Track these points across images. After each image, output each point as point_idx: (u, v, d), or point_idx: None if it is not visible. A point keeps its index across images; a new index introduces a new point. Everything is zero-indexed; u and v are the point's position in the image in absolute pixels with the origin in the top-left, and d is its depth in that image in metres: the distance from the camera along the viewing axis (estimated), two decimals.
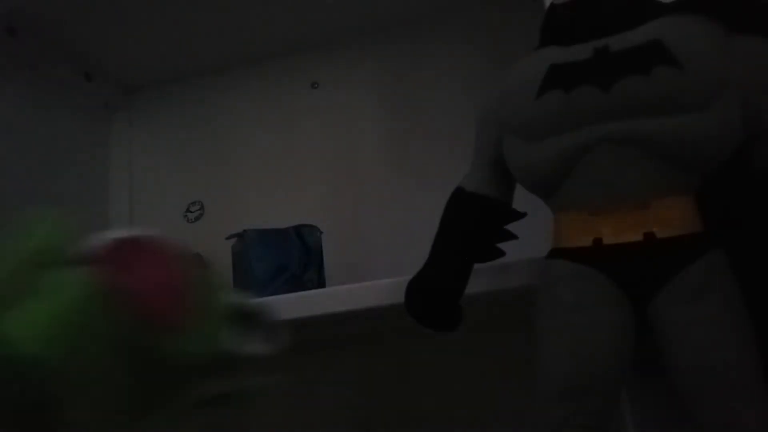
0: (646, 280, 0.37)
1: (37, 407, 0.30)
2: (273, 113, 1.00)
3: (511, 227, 0.47)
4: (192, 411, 0.36)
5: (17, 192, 0.86)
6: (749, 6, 0.39)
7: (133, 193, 1.05)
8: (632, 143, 0.37)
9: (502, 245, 0.47)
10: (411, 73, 0.94)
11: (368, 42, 0.96)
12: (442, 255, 0.47)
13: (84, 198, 0.99)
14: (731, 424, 0.34)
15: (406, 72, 0.95)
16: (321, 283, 0.75)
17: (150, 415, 0.34)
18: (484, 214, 0.46)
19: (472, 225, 0.46)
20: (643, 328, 0.38)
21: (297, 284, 0.70)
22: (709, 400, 0.34)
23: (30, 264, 0.34)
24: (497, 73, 0.46)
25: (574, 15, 0.42)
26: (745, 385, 0.34)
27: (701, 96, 0.36)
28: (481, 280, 0.49)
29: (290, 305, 0.57)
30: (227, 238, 0.75)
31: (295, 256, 0.73)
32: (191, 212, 1.01)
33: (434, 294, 0.46)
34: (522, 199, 0.46)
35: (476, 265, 0.47)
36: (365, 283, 0.56)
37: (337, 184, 0.94)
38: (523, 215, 0.47)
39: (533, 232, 0.46)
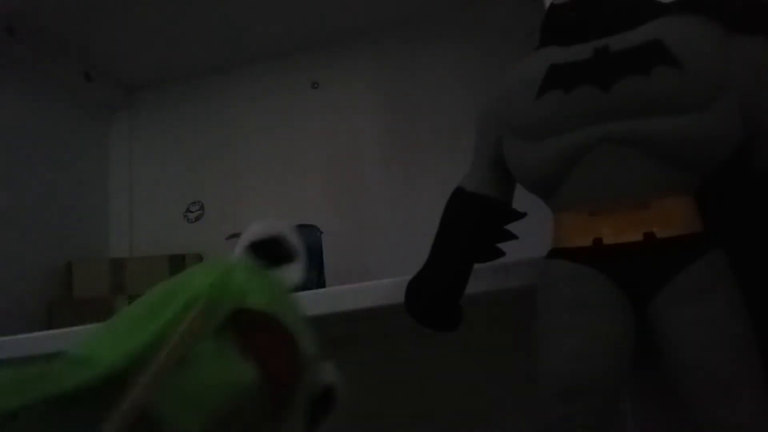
0: (646, 280, 0.37)
1: None
2: (273, 113, 1.00)
3: (511, 227, 0.47)
4: None
5: (17, 192, 0.86)
6: (749, 6, 0.39)
7: (133, 193, 1.05)
8: (632, 143, 0.37)
9: (502, 245, 0.47)
10: (411, 73, 0.94)
11: (368, 42, 0.96)
12: (442, 255, 0.47)
13: (84, 198, 0.99)
14: (731, 425, 0.34)
15: (406, 72, 0.95)
16: (321, 283, 0.75)
17: None
18: (484, 214, 0.46)
19: (472, 225, 0.46)
20: (643, 328, 0.38)
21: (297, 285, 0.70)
22: (708, 400, 0.34)
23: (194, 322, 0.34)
24: (497, 73, 0.46)
25: (574, 15, 0.42)
26: (745, 385, 0.34)
27: (701, 96, 0.36)
28: (481, 280, 0.49)
29: None
30: (227, 238, 0.75)
31: None
32: (191, 212, 1.01)
33: (434, 294, 0.46)
34: (522, 199, 0.46)
35: (476, 265, 0.47)
36: (365, 283, 0.56)
37: (337, 184, 0.94)
38: (523, 215, 0.47)
39: (533, 232, 0.46)
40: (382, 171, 0.92)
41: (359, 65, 0.97)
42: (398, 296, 0.48)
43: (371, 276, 0.58)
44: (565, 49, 0.41)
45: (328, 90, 0.98)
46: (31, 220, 0.88)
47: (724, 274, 0.37)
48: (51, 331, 0.70)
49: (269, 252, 0.41)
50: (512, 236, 0.47)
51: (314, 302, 0.57)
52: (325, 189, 0.94)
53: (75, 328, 0.64)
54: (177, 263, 0.86)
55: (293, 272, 0.42)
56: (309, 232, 0.75)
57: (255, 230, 0.42)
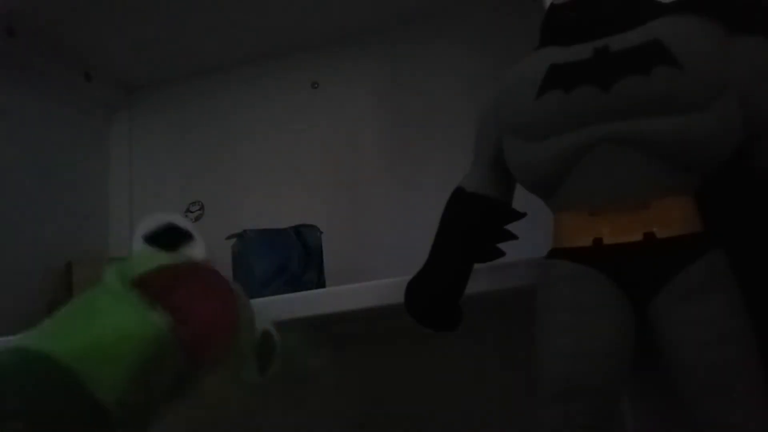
0: (646, 280, 0.37)
1: None
2: (273, 113, 1.00)
3: (511, 227, 0.47)
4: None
5: (17, 192, 0.86)
6: (749, 6, 0.39)
7: (133, 193, 1.05)
8: (632, 143, 0.37)
9: (502, 245, 0.47)
10: (411, 73, 0.94)
11: (368, 42, 0.96)
12: (442, 255, 0.47)
13: (84, 198, 0.99)
14: (731, 425, 0.34)
15: (406, 72, 0.95)
16: (321, 283, 0.75)
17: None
18: (484, 214, 0.46)
19: (472, 225, 0.46)
20: (643, 328, 0.38)
21: (297, 284, 0.70)
22: (708, 400, 0.34)
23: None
24: (497, 73, 0.46)
25: (574, 15, 0.42)
26: (745, 385, 0.34)
27: (701, 96, 0.36)
28: (481, 280, 0.49)
29: (290, 305, 0.57)
30: (227, 238, 0.75)
31: (295, 256, 0.73)
32: (191, 212, 1.01)
33: (434, 294, 0.46)
34: (522, 199, 0.46)
35: (476, 265, 0.47)
36: (365, 283, 0.56)
37: (337, 184, 0.94)
38: (523, 215, 0.47)
39: (533, 232, 0.46)
40: (382, 171, 0.92)
41: (359, 65, 0.97)
42: (398, 296, 0.48)
43: (371, 276, 0.58)
44: (565, 49, 0.41)
45: (328, 90, 0.98)
46: (31, 220, 0.88)
47: (724, 274, 0.37)
48: None
49: (165, 240, 0.43)
50: (512, 236, 0.47)
51: (314, 302, 0.58)
52: (325, 189, 0.94)
53: None
54: None
55: (194, 250, 0.44)
56: (309, 232, 0.75)
57: (145, 224, 0.44)
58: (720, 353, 0.35)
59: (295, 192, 0.95)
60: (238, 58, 1.01)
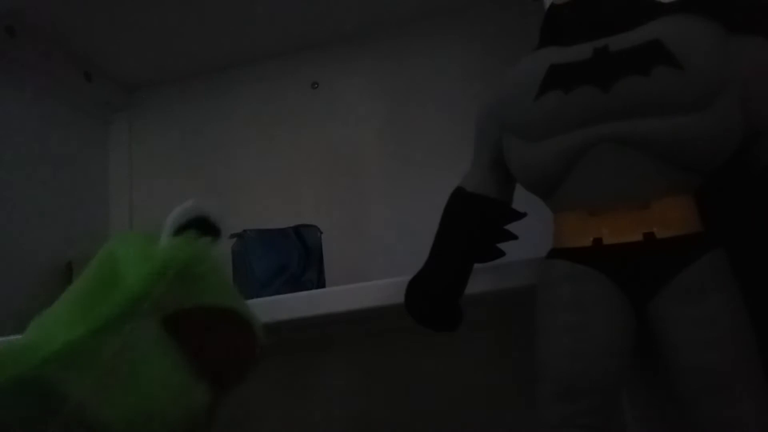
0: (646, 280, 0.37)
1: None
2: (273, 113, 1.00)
3: (511, 227, 0.47)
4: None
5: (17, 192, 0.86)
6: (749, 6, 0.39)
7: (133, 193, 1.05)
8: (632, 143, 0.37)
9: (502, 245, 0.47)
10: (411, 73, 0.94)
11: (368, 42, 0.96)
12: (442, 255, 0.47)
13: (84, 198, 0.99)
14: (731, 425, 0.34)
15: (407, 72, 0.95)
16: (321, 283, 0.75)
17: None
18: (484, 214, 0.46)
19: (472, 225, 0.46)
20: (643, 328, 0.38)
21: (297, 284, 0.70)
22: (708, 400, 0.34)
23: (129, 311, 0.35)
24: (497, 73, 0.46)
25: (574, 15, 0.42)
26: (745, 385, 0.34)
27: (701, 96, 0.36)
28: (481, 280, 0.49)
29: (290, 305, 0.57)
30: (228, 238, 0.75)
31: (295, 256, 0.73)
32: None
33: (434, 294, 0.46)
34: (522, 199, 0.46)
35: (476, 265, 0.47)
36: (365, 283, 0.56)
37: (337, 184, 0.94)
38: (523, 215, 0.47)
39: (533, 232, 0.46)
40: (382, 171, 0.92)
41: (359, 65, 0.97)
42: (398, 296, 0.48)
43: (371, 276, 0.58)
44: (564, 49, 0.41)
45: (328, 90, 0.98)
46: (31, 220, 0.87)
47: (724, 274, 0.37)
48: None
49: (194, 228, 0.42)
50: (512, 236, 0.47)
51: (314, 302, 0.58)
52: (325, 189, 0.94)
53: None
54: None
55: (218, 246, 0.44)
56: (309, 232, 0.75)
57: (178, 214, 0.43)
58: (720, 353, 0.35)
59: (295, 192, 0.95)
60: (238, 58, 1.01)
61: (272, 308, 0.56)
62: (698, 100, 0.36)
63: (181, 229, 0.42)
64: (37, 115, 0.91)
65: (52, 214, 0.91)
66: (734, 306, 0.36)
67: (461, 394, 0.78)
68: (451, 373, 0.79)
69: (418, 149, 0.91)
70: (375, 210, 0.91)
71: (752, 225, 0.39)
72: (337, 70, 0.98)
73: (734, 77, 0.36)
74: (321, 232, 0.77)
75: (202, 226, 0.43)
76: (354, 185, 0.93)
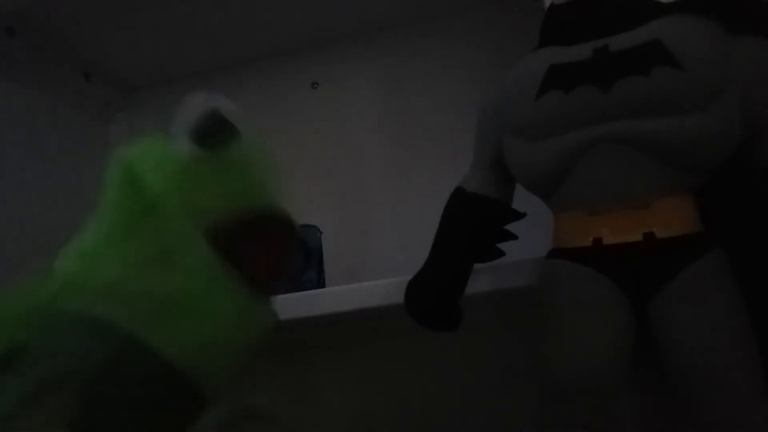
0: (645, 280, 0.37)
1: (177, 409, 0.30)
2: (273, 113, 1.00)
3: (511, 227, 0.47)
4: None
5: (17, 191, 0.86)
6: (749, 6, 0.39)
7: None
8: (632, 143, 0.37)
9: (502, 245, 0.47)
10: (411, 73, 0.94)
11: (368, 42, 0.96)
12: (442, 255, 0.47)
13: (84, 198, 0.99)
14: (730, 425, 0.34)
15: (407, 72, 0.95)
16: (321, 283, 0.75)
17: None
18: (484, 214, 0.46)
19: (472, 225, 0.46)
20: (643, 328, 0.38)
21: (297, 284, 0.70)
22: (708, 400, 0.34)
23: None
24: (497, 73, 0.46)
25: (573, 15, 0.42)
26: (745, 385, 0.34)
27: (701, 96, 0.36)
28: (481, 280, 0.49)
29: (290, 305, 0.57)
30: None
31: None
32: None
33: (434, 294, 0.46)
34: (522, 199, 0.46)
35: (476, 265, 0.47)
36: (365, 283, 0.56)
37: (337, 184, 0.94)
38: (523, 215, 0.47)
39: (533, 232, 0.47)
40: (382, 171, 0.92)
41: (359, 65, 0.97)
42: (398, 296, 0.48)
43: (371, 276, 0.58)
44: (564, 49, 0.41)
45: (328, 90, 0.98)
46: (30, 219, 0.87)
47: (724, 274, 0.37)
48: None
49: (210, 133, 0.38)
50: (512, 236, 0.47)
51: (314, 302, 0.58)
52: (325, 189, 0.94)
53: None
54: None
55: (242, 146, 0.40)
56: (309, 232, 0.75)
57: (187, 115, 0.39)
58: (719, 353, 0.35)
59: (295, 192, 0.95)
60: (238, 58, 1.01)
61: None
62: (698, 100, 0.36)
63: (193, 134, 0.38)
64: (37, 115, 0.91)
65: (52, 213, 0.91)
66: (734, 306, 0.36)
67: (461, 393, 0.78)
68: (451, 373, 0.79)
69: (417, 149, 0.91)
70: (375, 210, 0.91)
71: (752, 225, 0.39)
72: (337, 70, 0.98)
73: (734, 77, 0.36)
74: (321, 232, 0.77)
75: (215, 125, 0.38)
76: (354, 185, 0.93)
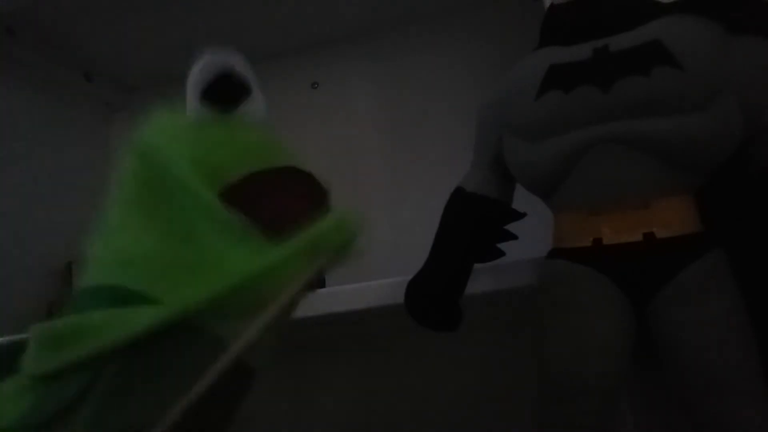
0: (645, 280, 0.37)
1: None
2: (273, 113, 1.00)
3: (511, 227, 0.47)
4: None
5: (17, 192, 0.86)
6: (749, 6, 0.39)
7: None
8: (632, 143, 0.37)
9: (502, 245, 0.47)
10: (411, 73, 0.94)
11: (368, 42, 0.96)
12: (442, 255, 0.47)
13: (84, 198, 0.99)
14: (730, 424, 0.34)
15: (406, 72, 0.95)
16: (321, 283, 0.74)
17: None
18: (484, 214, 0.46)
19: (472, 225, 0.46)
20: (643, 328, 0.38)
21: None
22: (708, 399, 0.34)
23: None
24: (497, 73, 0.46)
25: (573, 15, 0.42)
26: (745, 385, 0.34)
27: (701, 96, 0.36)
28: (481, 280, 0.49)
29: None
30: None
31: None
32: None
33: (434, 294, 0.46)
34: (522, 199, 0.46)
35: (476, 265, 0.47)
36: (365, 283, 0.56)
37: (337, 184, 0.94)
38: (523, 215, 0.47)
39: (533, 232, 0.46)
40: (382, 171, 0.92)
41: (359, 65, 0.97)
42: (398, 296, 0.48)
43: (371, 276, 0.58)
44: (564, 49, 0.41)
45: (328, 90, 0.98)
46: (31, 220, 0.87)
47: (724, 274, 0.37)
48: None
49: (222, 92, 0.37)
50: (512, 236, 0.47)
51: (314, 302, 0.57)
52: None
53: None
54: None
55: (254, 106, 0.39)
56: None
57: (199, 75, 0.38)
58: (720, 353, 0.35)
59: None
60: None
61: None
62: (698, 100, 0.36)
63: (206, 94, 0.37)
64: (37, 115, 0.91)
65: (52, 214, 0.91)
66: (734, 306, 0.36)
67: (461, 393, 0.78)
68: (451, 373, 0.79)
69: (417, 149, 0.91)
70: (375, 210, 0.91)
71: (752, 225, 0.39)
72: (337, 70, 0.98)
73: (734, 77, 0.36)
74: None
75: (227, 85, 0.37)
76: (354, 185, 0.93)
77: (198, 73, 0.38)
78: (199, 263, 0.31)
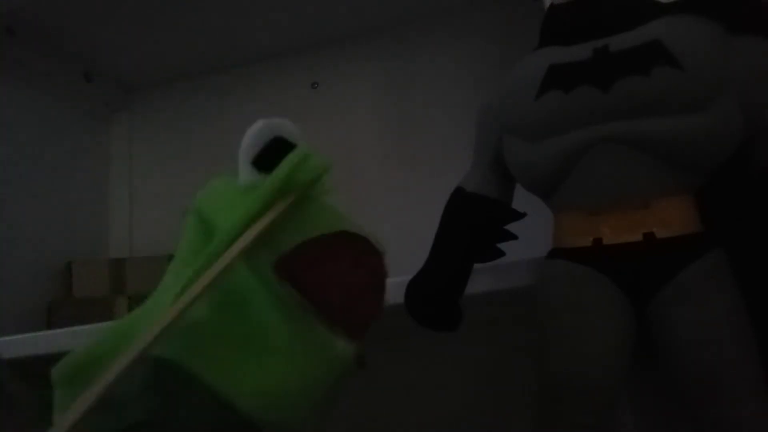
0: (645, 281, 0.37)
1: None
2: (273, 113, 1.00)
3: (511, 227, 0.47)
4: None
5: (17, 192, 0.86)
6: (749, 6, 0.39)
7: (132, 193, 1.05)
8: (632, 143, 0.37)
9: (502, 245, 0.47)
10: (411, 73, 0.94)
11: (368, 42, 0.96)
12: (442, 255, 0.47)
13: (84, 198, 0.99)
14: (730, 424, 0.34)
15: (406, 72, 0.95)
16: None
17: None
18: (484, 214, 0.46)
19: (471, 225, 0.46)
20: (643, 328, 0.38)
21: None
22: (708, 400, 0.34)
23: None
24: (497, 73, 0.46)
25: (573, 15, 0.42)
26: (745, 385, 0.34)
27: (701, 96, 0.36)
28: (481, 280, 0.49)
29: None
30: None
31: None
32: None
33: (434, 294, 0.46)
34: (522, 199, 0.46)
35: (476, 265, 0.47)
36: None
37: (337, 184, 0.94)
38: (523, 215, 0.47)
39: (533, 232, 0.46)
40: (382, 171, 0.92)
41: (359, 65, 0.97)
42: (398, 296, 0.48)
43: None
44: (564, 49, 0.41)
45: (328, 90, 0.98)
46: (31, 220, 0.87)
47: (724, 274, 0.37)
48: (51, 331, 0.70)
49: (274, 158, 0.36)
50: (512, 236, 0.47)
51: None
52: None
53: (75, 328, 0.64)
54: None
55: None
56: None
57: (252, 140, 0.38)
58: (720, 353, 0.35)
59: None
60: (238, 58, 1.01)
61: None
62: (698, 100, 0.36)
63: (258, 159, 0.37)
64: (37, 115, 0.91)
65: (52, 214, 0.91)
66: (734, 306, 0.36)
67: (461, 394, 0.78)
68: (451, 373, 0.79)
69: (417, 149, 0.91)
70: (375, 210, 0.91)
71: (752, 225, 0.39)
72: (337, 70, 0.98)
73: (734, 77, 0.36)
74: None
75: (279, 148, 0.37)
76: (353, 185, 0.93)
77: (250, 138, 0.39)
78: (246, 338, 0.30)
